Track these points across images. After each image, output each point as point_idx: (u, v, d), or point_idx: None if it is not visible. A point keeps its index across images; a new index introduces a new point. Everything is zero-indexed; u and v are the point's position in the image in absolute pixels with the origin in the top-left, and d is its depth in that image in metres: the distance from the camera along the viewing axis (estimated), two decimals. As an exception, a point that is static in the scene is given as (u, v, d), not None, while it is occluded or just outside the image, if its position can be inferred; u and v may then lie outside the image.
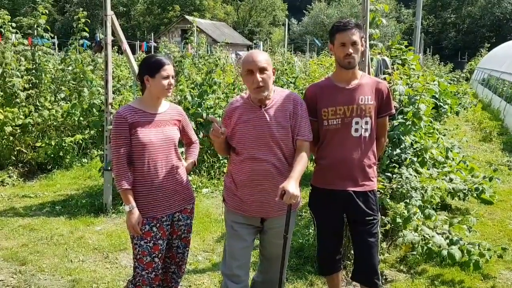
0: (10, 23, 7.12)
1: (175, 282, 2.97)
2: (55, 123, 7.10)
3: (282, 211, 2.62)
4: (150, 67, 2.65)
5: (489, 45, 29.81)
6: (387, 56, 4.86)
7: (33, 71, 7.17)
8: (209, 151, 6.58)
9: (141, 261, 2.68)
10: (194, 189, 5.89)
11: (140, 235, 2.64)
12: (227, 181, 2.78)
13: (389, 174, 4.04)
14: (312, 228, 4.10)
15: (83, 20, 6.94)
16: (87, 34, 7.17)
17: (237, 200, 2.70)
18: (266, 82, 2.54)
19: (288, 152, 2.64)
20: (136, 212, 2.61)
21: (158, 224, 2.68)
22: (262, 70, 2.53)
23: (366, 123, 2.75)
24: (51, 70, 7.43)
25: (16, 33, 7.30)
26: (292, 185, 2.37)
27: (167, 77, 2.65)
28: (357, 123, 2.73)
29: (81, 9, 7.19)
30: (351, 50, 2.64)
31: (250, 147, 2.60)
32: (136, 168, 2.67)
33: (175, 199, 2.76)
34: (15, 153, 6.83)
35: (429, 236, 3.87)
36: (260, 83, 2.52)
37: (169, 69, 2.65)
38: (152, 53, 21.34)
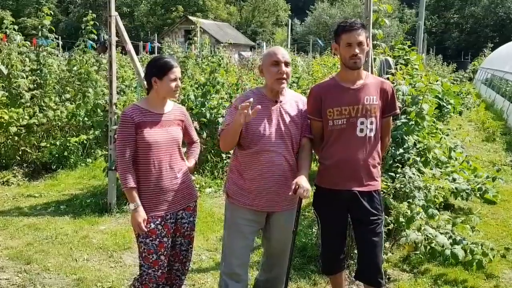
0: (12, 25, 7.17)
1: (180, 279, 3.00)
2: (59, 123, 7.15)
3: (290, 205, 2.75)
4: (158, 69, 2.67)
5: (492, 45, 29.66)
6: (390, 56, 4.87)
7: (38, 71, 7.22)
8: (212, 151, 6.61)
9: (147, 259, 2.70)
10: (197, 188, 5.90)
11: (145, 232, 2.66)
12: (234, 178, 2.80)
13: (392, 174, 4.04)
14: (316, 228, 4.12)
15: (91, 22, 6.99)
16: (95, 36, 7.24)
17: (246, 195, 2.72)
18: (289, 76, 2.70)
19: (296, 148, 2.77)
20: (141, 210, 2.63)
21: (162, 222, 2.71)
22: (287, 64, 2.67)
23: (371, 123, 2.76)
24: (55, 71, 7.48)
25: (20, 34, 7.35)
26: (304, 180, 2.56)
27: (174, 80, 2.68)
28: (362, 123, 2.74)
29: (90, 11, 7.26)
30: (357, 51, 2.65)
31: (266, 139, 2.66)
32: (141, 167, 2.69)
33: (178, 197, 2.79)
34: (20, 153, 6.87)
35: (432, 236, 3.87)
36: (284, 75, 2.65)
37: (177, 72, 2.70)
38: (156, 53, 21.42)
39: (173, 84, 2.68)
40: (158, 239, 2.69)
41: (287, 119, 2.71)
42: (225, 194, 2.88)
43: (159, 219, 2.70)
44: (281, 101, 2.72)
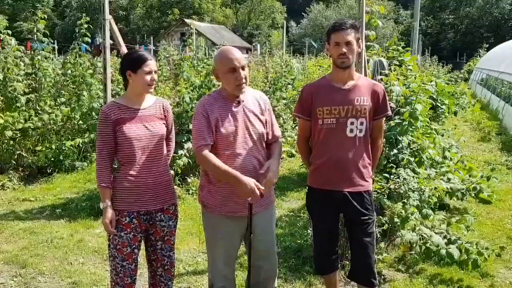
0: (6, 31, 7.17)
1: (165, 285, 2.89)
2: (55, 127, 7.13)
3: (267, 204, 2.76)
4: (132, 62, 2.62)
5: (488, 45, 29.87)
6: (384, 57, 4.89)
7: (33, 75, 7.21)
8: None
9: (121, 251, 2.66)
10: (193, 191, 5.91)
11: (113, 234, 2.63)
12: (208, 186, 2.72)
13: (386, 174, 4.06)
14: (310, 229, 4.12)
15: (85, 25, 7.00)
16: (89, 40, 7.25)
17: (223, 203, 2.67)
18: (247, 79, 2.62)
19: (264, 145, 2.75)
20: (109, 211, 2.60)
21: (138, 217, 2.67)
22: (244, 67, 2.59)
23: (361, 123, 2.77)
24: (50, 75, 7.48)
25: (14, 39, 7.35)
26: (274, 164, 2.63)
27: (149, 73, 2.62)
28: (352, 123, 2.76)
29: (84, 14, 7.26)
30: (344, 50, 2.68)
31: (235, 143, 2.61)
32: (122, 163, 2.66)
33: (158, 195, 2.72)
34: (16, 157, 6.85)
35: (427, 236, 3.89)
36: (243, 80, 2.58)
37: (151, 65, 2.63)
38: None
39: (148, 77, 2.61)
40: (133, 233, 2.65)
41: (252, 117, 2.67)
42: (201, 204, 2.80)
43: (135, 214, 2.66)
44: (243, 101, 2.67)
